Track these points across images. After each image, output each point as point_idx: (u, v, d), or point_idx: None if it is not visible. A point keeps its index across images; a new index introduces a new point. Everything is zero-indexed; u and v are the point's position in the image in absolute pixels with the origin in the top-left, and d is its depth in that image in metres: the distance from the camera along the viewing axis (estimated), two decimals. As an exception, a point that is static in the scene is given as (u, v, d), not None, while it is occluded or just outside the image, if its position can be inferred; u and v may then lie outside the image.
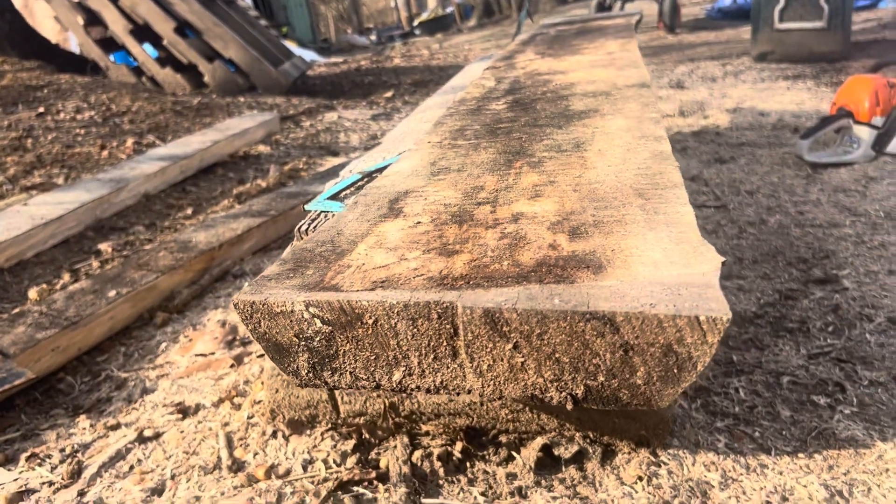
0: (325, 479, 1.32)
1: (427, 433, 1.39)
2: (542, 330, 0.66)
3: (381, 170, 1.46)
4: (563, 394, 0.68)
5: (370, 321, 0.71)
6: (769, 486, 1.25)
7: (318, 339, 0.73)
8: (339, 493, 1.29)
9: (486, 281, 0.73)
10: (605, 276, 0.71)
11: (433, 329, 0.70)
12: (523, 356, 0.68)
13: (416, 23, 14.83)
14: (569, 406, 0.68)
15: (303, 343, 0.74)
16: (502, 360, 0.69)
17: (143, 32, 6.03)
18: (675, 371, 0.64)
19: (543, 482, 1.30)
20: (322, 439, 1.42)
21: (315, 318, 0.71)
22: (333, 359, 0.74)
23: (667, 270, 0.71)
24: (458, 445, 1.37)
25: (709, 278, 0.69)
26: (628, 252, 0.77)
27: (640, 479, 1.29)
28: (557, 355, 0.67)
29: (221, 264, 2.35)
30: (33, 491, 1.39)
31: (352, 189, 1.40)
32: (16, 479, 1.43)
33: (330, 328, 0.72)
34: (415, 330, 0.70)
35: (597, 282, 0.70)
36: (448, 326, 0.69)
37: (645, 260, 0.74)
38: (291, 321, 0.73)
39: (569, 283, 0.70)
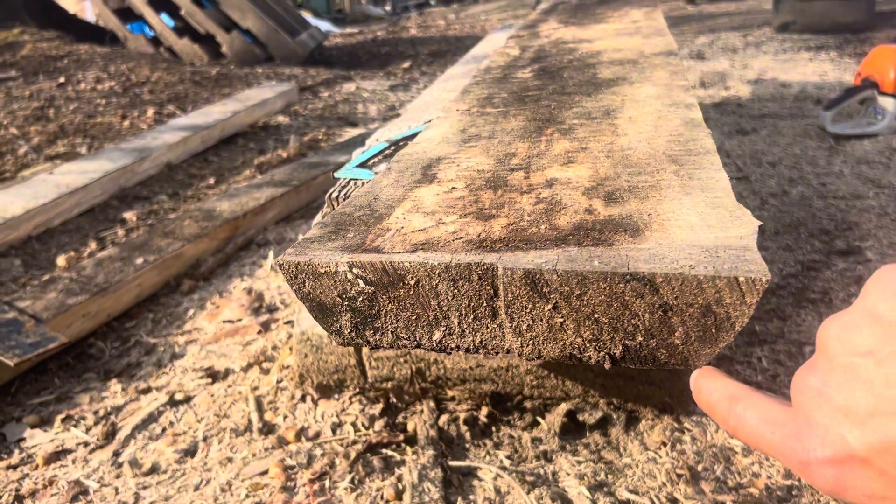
0: (355, 442, 1.35)
1: (453, 398, 1.41)
2: (582, 291, 0.67)
3: (408, 138, 1.47)
4: (602, 353, 0.70)
5: (412, 282, 0.72)
6: (793, 451, 1.26)
7: (360, 299, 0.75)
8: (368, 454, 1.32)
9: (524, 244, 0.74)
10: (643, 240, 0.72)
11: (473, 290, 0.71)
12: (563, 316, 0.69)
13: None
14: (607, 365, 0.70)
15: (346, 303, 0.76)
16: (542, 320, 0.70)
17: (160, 2, 6.02)
18: (714, 331, 0.65)
19: (568, 447, 1.32)
20: (350, 403, 1.45)
21: (358, 279, 0.73)
22: (375, 318, 0.76)
23: (704, 234, 0.72)
24: (484, 410, 1.39)
25: (746, 241, 0.70)
26: (665, 216, 0.78)
27: (664, 444, 1.31)
28: (596, 316, 0.68)
29: (245, 233, 2.37)
30: (69, 451, 1.43)
31: (379, 157, 1.41)
32: (52, 440, 1.47)
33: (372, 288, 0.74)
34: (455, 291, 0.72)
35: (635, 244, 0.71)
36: (488, 287, 0.71)
37: (682, 224, 0.75)
38: (335, 281, 0.74)
39: (607, 246, 0.71)
